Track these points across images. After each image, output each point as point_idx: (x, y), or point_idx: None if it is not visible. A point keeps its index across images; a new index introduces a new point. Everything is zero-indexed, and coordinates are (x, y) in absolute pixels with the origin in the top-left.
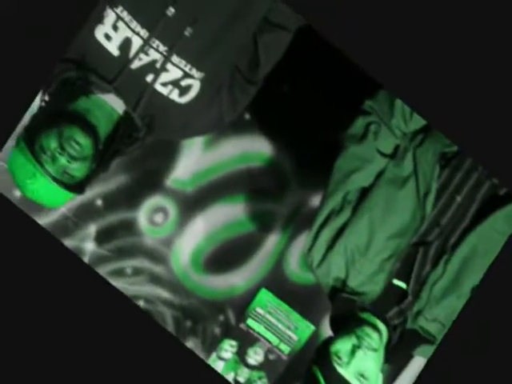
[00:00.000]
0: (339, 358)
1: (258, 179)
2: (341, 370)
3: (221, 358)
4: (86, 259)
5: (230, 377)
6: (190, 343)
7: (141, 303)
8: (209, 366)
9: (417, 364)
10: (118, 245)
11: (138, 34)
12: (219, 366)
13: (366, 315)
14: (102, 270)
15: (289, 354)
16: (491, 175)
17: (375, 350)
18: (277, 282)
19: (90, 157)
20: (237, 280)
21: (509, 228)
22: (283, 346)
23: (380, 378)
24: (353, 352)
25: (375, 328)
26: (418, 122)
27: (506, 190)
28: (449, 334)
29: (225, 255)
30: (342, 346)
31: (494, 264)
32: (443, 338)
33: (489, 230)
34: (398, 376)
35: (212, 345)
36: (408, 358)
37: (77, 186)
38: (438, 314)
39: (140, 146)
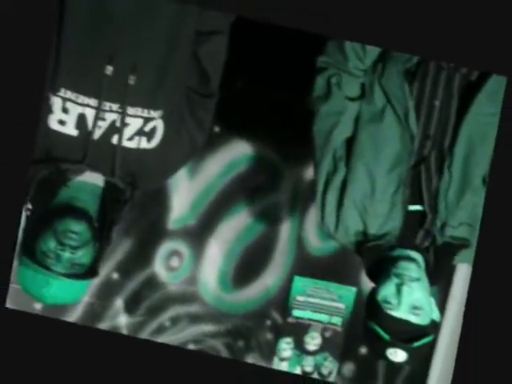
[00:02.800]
0: (388, 302)
1: (250, 180)
2: (395, 313)
3: (283, 359)
4: (125, 332)
5: (297, 371)
6: (250, 359)
7: (191, 347)
8: (277, 370)
9: (462, 273)
10: (147, 305)
11: (88, 105)
12: (284, 367)
13: (396, 252)
14: (144, 334)
15: (342, 325)
16: (458, 67)
17: (418, 279)
18: (305, 264)
19: (90, 239)
20: (268, 281)
21: (495, 107)
22: (335, 319)
23: (432, 302)
24: (399, 291)
25: (410, 259)
26: (372, 53)
27: (477, 72)
28: (485, 235)
29: (248, 264)
30: (387, 290)
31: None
32: (481, 238)
33: (477, 118)
34: (450, 292)
35: (270, 351)
36: (451, 270)
37: (89, 272)
38: (461, 217)
39: (131, 206)
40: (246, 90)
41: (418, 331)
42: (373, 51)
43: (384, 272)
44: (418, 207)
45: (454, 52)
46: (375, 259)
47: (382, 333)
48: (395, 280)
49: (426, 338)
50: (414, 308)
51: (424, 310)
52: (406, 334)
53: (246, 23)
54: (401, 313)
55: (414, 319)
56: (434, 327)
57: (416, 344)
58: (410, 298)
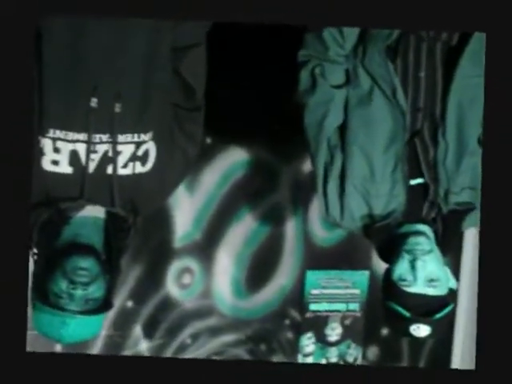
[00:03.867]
0: (404, 280)
1: (248, 185)
2: (413, 289)
3: (306, 355)
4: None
5: (333, 354)
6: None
7: (215, 359)
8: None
9: (471, 238)
10: (166, 327)
11: (78, 141)
12: (311, 361)
13: (404, 228)
14: (168, 354)
15: (361, 310)
16: (438, 35)
17: (430, 251)
18: (315, 257)
19: (100, 272)
20: (281, 280)
21: (479, 67)
22: (352, 306)
23: (448, 271)
24: (412, 267)
25: (418, 233)
26: (351, 37)
27: (457, 34)
28: (488, 198)
29: (259, 268)
30: (401, 268)
31: None
32: (484, 202)
33: (463, 81)
34: (462, 258)
35: (293, 349)
36: (460, 237)
37: (104, 305)
38: (462, 182)
39: (135, 232)
40: (231, 96)
41: (437, 303)
42: (351, 35)
43: (395, 251)
44: (419, 180)
45: (431, 19)
46: (385, 239)
47: (402, 311)
48: (407, 256)
49: (446, 308)
50: (431, 280)
51: (440, 280)
52: (426, 307)
53: (221, 29)
54: (418, 288)
55: (431, 292)
56: (453, 295)
57: (438, 316)
58: (424, 272)
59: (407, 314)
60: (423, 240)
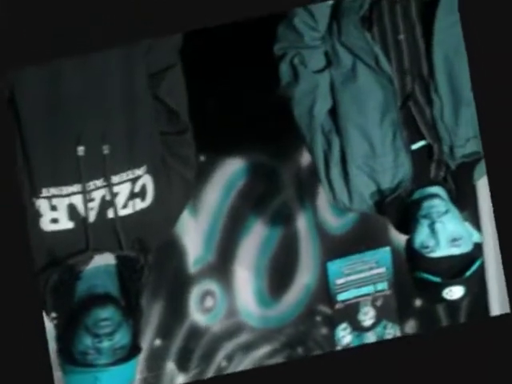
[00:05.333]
0: (427, 247)
1: (251, 192)
2: (437, 254)
3: (345, 346)
4: None
5: (371, 339)
6: None
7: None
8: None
9: (485, 187)
10: (198, 355)
11: (73, 193)
12: None
13: (416, 195)
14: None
15: (389, 287)
16: None
17: (447, 211)
18: (332, 247)
19: (122, 319)
20: (304, 279)
21: (455, 15)
22: (380, 286)
23: (468, 226)
24: (432, 231)
25: (431, 196)
26: (323, 16)
27: None
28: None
29: (279, 272)
30: (421, 235)
31: None
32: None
33: (444, 33)
34: (479, 209)
35: (330, 344)
36: (473, 189)
37: (133, 350)
38: (465, 133)
39: (149, 269)
40: (216, 108)
41: (465, 261)
42: (323, 16)
43: (412, 219)
44: (421, 143)
45: None
46: (399, 211)
47: (431, 278)
48: (425, 222)
49: (475, 264)
50: (453, 240)
51: (463, 238)
52: (454, 268)
53: (192, 44)
54: (442, 251)
55: (456, 251)
56: (479, 249)
57: (468, 273)
58: (445, 233)
59: (437, 280)
60: (437, 202)
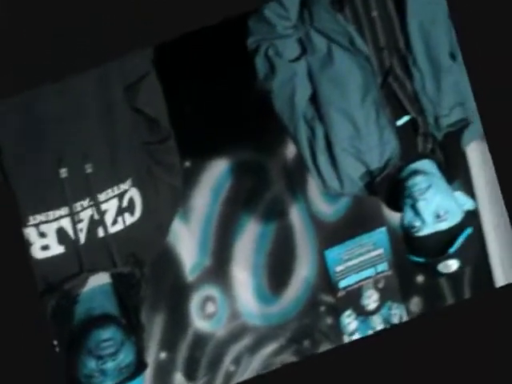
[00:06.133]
0: (413, 227)
1: (240, 191)
2: (424, 232)
3: (352, 333)
4: None
5: (377, 322)
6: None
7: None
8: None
9: (474, 152)
10: (205, 363)
11: (60, 217)
12: (358, 337)
13: (404, 172)
14: None
15: (390, 267)
16: None
17: (429, 187)
18: (327, 234)
19: (124, 337)
20: (303, 271)
21: None
22: (380, 267)
23: (460, 195)
24: (416, 210)
25: (414, 173)
26: (292, 3)
27: None
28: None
29: (277, 268)
30: (407, 216)
31: None
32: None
33: (417, 3)
34: (471, 176)
35: (337, 333)
36: (463, 156)
37: (138, 367)
38: (448, 102)
39: (145, 283)
40: (195, 112)
41: (454, 232)
42: (293, 3)
43: (399, 199)
44: (405, 118)
45: None
46: (390, 189)
47: (419, 259)
48: (409, 201)
49: (464, 233)
50: (438, 216)
51: (450, 211)
52: (444, 243)
53: (165, 50)
54: (428, 228)
55: (444, 226)
56: (472, 217)
57: (456, 245)
58: (429, 210)
59: (429, 260)
60: (419, 178)
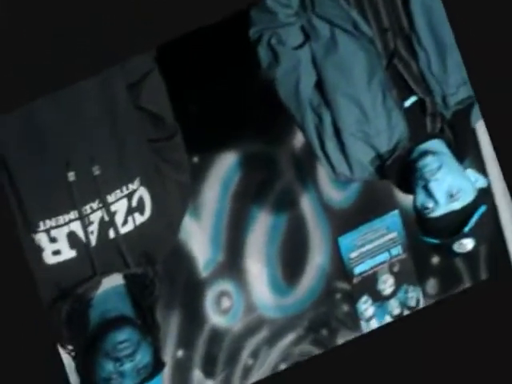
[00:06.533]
0: (427, 208)
1: (250, 184)
2: (437, 213)
3: (369, 319)
4: None
5: (388, 320)
6: (340, 339)
7: (282, 366)
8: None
9: (484, 129)
10: (223, 359)
11: (70, 221)
12: (376, 325)
13: (414, 154)
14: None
15: (404, 250)
16: None
17: (440, 167)
18: (340, 221)
19: (141, 337)
20: (317, 260)
21: None
22: (395, 251)
23: (471, 173)
24: (428, 191)
25: (423, 154)
26: None
27: None
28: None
29: (291, 258)
30: (420, 197)
31: None
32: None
33: None
34: (482, 153)
35: (354, 320)
36: (473, 133)
37: (156, 367)
38: (455, 80)
39: (159, 282)
40: (201, 106)
41: (468, 211)
42: None
43: (410, 181)
44: (412, 99)
45: None
46: (401, 172)
47: (437, 240)
48: (421, 183)
49: (478, 211)
50: (451, 196)
51: (462, 189)
52: (458, 222)
53: (167, 46)
54: (441, 209)
55: (457, 205)
56: (484, 195)
57: (470, 224)
58: (442, 190)
59: (443, 240)
60: (429, 159)
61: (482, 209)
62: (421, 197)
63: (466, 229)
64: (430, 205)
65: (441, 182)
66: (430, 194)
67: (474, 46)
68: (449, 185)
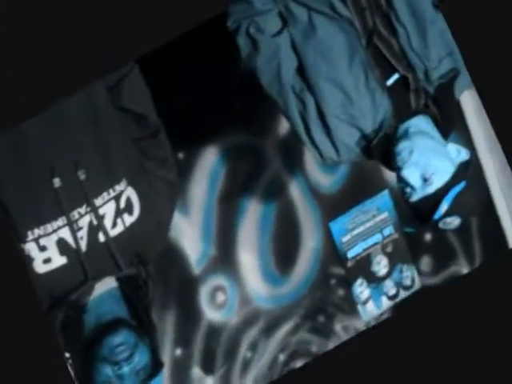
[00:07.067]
0: (405, 193)
1: (237, 175)
2: (415, 198)
3: (365, 302)
4: None
5: (384, 301)
6: (338, 324)
7: (281, 357)
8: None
9: (468, 100)
10: (222, 353)
11: (59, 228)
12: (371, 307)
13: (398, 133)
14: (236, 377)
15: (396, 230)
16: None
17: (411, 152)
18: (330, 206)
19: (137, 339)
20: (309, 246)
21: None
22: (387, 231)
23: (453, 148)
24: (403, 178)
25: (399, 139)
26: None
27: None
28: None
29: (283, 247)
30: (400, 182)
31: None
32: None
33: None
34: (468, 124)
35: (350, 304)
36: (458, 105)
37: (155, 367)
38: (436, 54)
39: (152, 282)
40: (182, 102)
41: (444, 192)
42: None
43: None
44: (394, 77)
45: None
46: (387, 150)
47: (414, 229)
48: (397, 169)
49: (454, 190)
50: (425, 180)
51: (437, 170)
52: (432, 207)
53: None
54: (418, 193)
55: (432, 188)
56: (465, 169)
57: (449, 200)
58: (415, 176)
59: (420, 228)
60: (402, 146)
61: (461, 185)
62: (400, 183)
63: (436, 216)
64: (408, 189)
65: (413, 167)
66: (404, 179)
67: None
68: (421, 168)
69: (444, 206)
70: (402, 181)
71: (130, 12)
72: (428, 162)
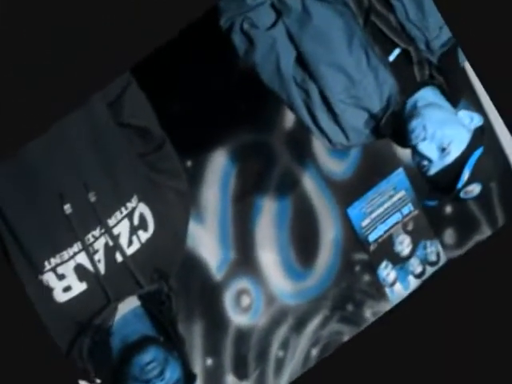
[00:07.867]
0: (423, 166)
1: (249, 176)
2: (434, 171)
3: (392, 284)
4: None
5: (412, 280)
6: (368, 310)
7: (314, 351)
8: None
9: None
10: (253, 357)
11: (75, 254)
12: (401, 288)
13: (407, 106)
14: (271, 379)
15: (415, 207)
16: None
17: (424, 127)
18: (345, 192)
19: (166, 354)
20: (330, 236)
21: None
22: (406, 209)
23: (465, 115)
24: (419, 151)
25: (410, 116)
26: None
27: None
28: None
29: (303, 240)
30: (415, 156)
31: None
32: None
33: None
34: (476, 90)
35: (377, 287)
36: (463, 72)
37: (187, 381)
38: (435, 23)
39: (175, 295)
40: (184, 109)
41: (463, 161)
42: None
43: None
44: (396, 52)
45: None
46: (398, 127)
47: (440, 196)
48: (411, 144)
49: (474, 156)
50: (443, 150)
51: (453, 140)
52: (454, 176)
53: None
54: (437, 166)
55: (451, 158)
56: (481, 134)
57: (468, 169)
58: (432, 149)
59: (449, 193)
60: (414, 124)
61: (479, 151)
62: (415, 157)
63: (459, 185)
64: (425, 163)
65: (429, 141)
66: (420, 153)
67: None
68: (437, 140)
69: (466, 174)
70: (418, 155)
71: (129, 12)
72: (443, 132)
